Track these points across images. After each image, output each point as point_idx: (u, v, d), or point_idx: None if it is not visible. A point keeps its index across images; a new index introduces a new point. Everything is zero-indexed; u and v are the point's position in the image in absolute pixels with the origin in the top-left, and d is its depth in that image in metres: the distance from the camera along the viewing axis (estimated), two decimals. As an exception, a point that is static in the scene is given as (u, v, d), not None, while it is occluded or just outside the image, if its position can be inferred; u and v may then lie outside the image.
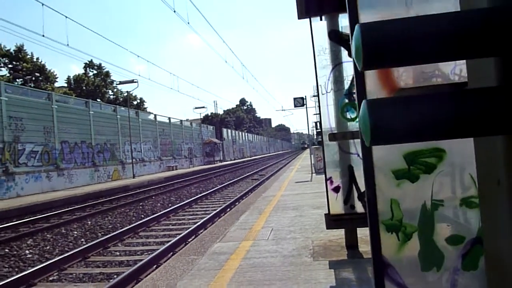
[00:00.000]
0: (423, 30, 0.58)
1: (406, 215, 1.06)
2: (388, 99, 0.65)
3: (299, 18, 4.58)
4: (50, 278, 6.13)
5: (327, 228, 4.69)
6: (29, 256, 7.74)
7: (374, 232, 1.06)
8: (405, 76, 1.05)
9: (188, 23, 22.04)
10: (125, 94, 41.07)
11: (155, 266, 6.15)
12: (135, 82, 28.17)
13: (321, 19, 4.41)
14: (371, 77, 1.07)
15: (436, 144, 1.00)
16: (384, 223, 1.07)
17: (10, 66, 37.21)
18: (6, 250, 8.15)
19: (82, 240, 9.02)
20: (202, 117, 58.54)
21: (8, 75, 35.57)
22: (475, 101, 0.61)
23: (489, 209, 0.76)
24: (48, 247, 8.37)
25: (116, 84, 43.46)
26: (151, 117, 36.15)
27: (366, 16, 1.08)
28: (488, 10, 0.65)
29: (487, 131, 0.61)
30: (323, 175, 4.81)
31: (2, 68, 37.08)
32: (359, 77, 1.04)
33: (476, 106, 0.62)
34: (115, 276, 5.88)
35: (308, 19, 4.48)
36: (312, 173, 16.78)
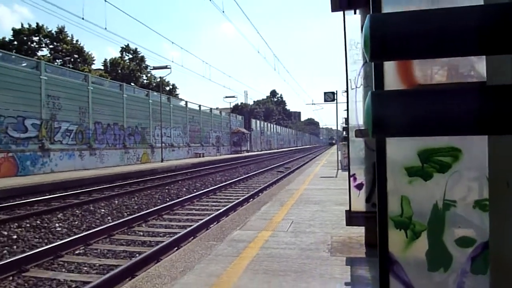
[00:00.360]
0: (434, 24, 0.57)
1: (416, 213, 1.05)
2: (393, 91, 0.64)
3: (332, 11, 4.51)
4: (76, 252, 6.40)
5: (347, 225, 4.66)
6: (58, 229, 8.10)
7: (382, 227, 1.05)
8: (424, 72, 1.03)
9: (223, 11, 22.08)
10: (158, 79, 41.83)
11: (175, 248, 6.30)
12: (169, 68, 28.66)
13: (355, 13, 4.33)
14: (391, 71, 1.05)
15: (453, 143, 0.98)
16: (393, 219, 1.06)
17: (51, 46, 38.59)
18: (38, 222, 8.56)
19: (109, 218, 9.35)
20: (231, 107, 58.84)
21: (49, 55, 36.93)
22: (486, 99, 0.60)
23: (498, 210, 0.74)
24: (76, 222, 8.73)
25: (150, 69, 44.41)
26: (182, 103, 36.71)
27: (389, 10, 1.06)
28: (509, 5, 0.63)
29: (495, 129, 0.60)
30: (349, 172, 4.77)
31: (44, 49, 38.54)
32: (375, 69, 1.02)
33: (487, 104, 0.61)
34: (137, 254, 6.08)
35: (341, 12, 4.41)
36: (338, 169, 16.62)
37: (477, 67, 1.01)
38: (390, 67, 1.04)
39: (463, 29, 0.58)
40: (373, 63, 1.01)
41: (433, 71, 1.03)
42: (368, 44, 0.59)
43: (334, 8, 4.48)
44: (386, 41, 0.58)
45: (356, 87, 4.52)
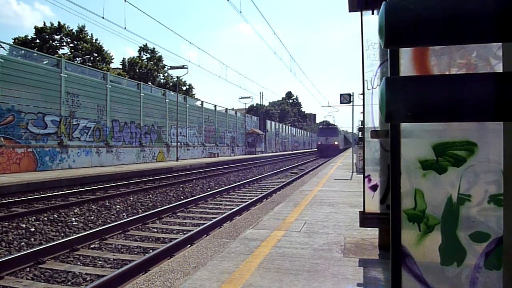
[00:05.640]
0: (450, 10, 0.57)
1: (430, 206, 1.04)
2: (407, 77, 0.65)
3: (350, 11, 4.50)
4: (92, 246, 6.52)
5: (360, 226, 4.63)
6: (74, 223, 8.26)
7: (396, 221, 1.05)
8: (440, 62, 1.02)
9: (240, 12, 22.17)
10: (175, 79, 42.20)
11: (189, 245, 6.35)
12: (186, 68, 28.81)
13: (372, 13, 4.30)
14: (407, 61, 1.05)
15: (469, 137, 0.97)
16: (406, 213, 1.05)
17: (71, 45, 39.35)
18: (55, 216, 8.75)
19: (124, 214, 9.48)
20: (247, 107, 58.93)
21: (69, 53, 37.65)
22: (502, 86, 0.60)
23: (512, 203, 0.74)
24: (92, 217, 8.88)
25: (167, 69, 44.79)
26: (198, 103, 36.93)
27: None
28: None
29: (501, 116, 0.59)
30: (364, 174, 4.73)
31: (64, 47, 39.32)
32: (390, 56, 1.02)
33: (503, 90, 0.61)
34: (151, 250, 6.15)
35: (359, 13, 4.39)
36: (353, 171, 16.50)
37: (492, 60, 1.00)
38: (406, 58, 1.04)
39: (479, 15, 0.58)
40: (388, 50, 1.01)
41: (449, 63, 1.02)
42: (383, 31, 0.60)
43: (352, 9, 4.47)
44: (401, 28, 0.59)
45: (373, 87, 4.49)
